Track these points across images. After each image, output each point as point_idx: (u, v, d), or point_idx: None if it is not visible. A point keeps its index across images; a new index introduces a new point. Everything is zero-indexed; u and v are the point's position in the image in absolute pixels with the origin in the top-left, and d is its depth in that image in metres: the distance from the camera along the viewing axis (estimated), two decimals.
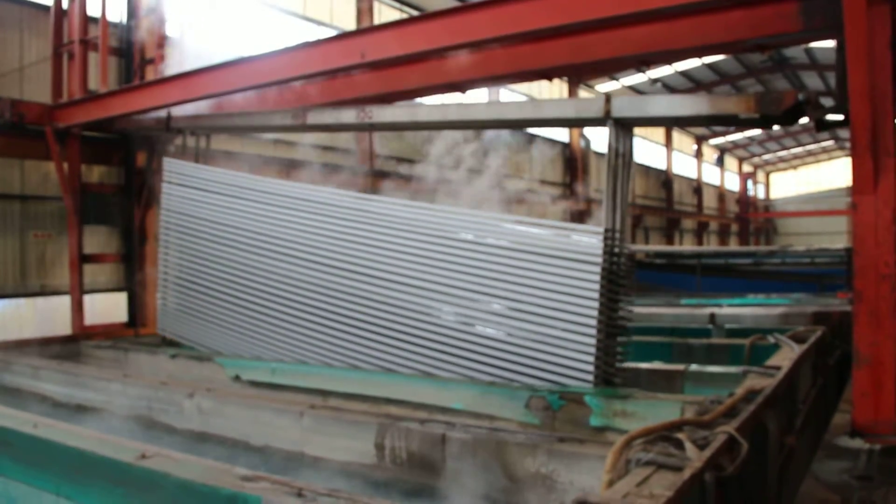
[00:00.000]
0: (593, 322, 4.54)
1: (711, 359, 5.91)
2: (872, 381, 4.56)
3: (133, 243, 9.88)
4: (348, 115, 6.50)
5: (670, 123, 5.00)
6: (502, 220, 5.32)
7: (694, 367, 5.08)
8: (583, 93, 28.71)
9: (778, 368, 4.33)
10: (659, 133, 37.68)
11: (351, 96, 7.16)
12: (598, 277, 4.59)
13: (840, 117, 4.88)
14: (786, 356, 4.88)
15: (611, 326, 4.62)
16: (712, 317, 7.32)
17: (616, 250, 4.69)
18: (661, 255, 16.18)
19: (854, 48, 4.41)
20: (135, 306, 9.69)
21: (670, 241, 36.63)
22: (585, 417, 4.08)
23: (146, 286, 9.86)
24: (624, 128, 4.93)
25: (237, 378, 5.98)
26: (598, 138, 29.81)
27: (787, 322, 7.00)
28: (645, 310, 7.64)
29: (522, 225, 5.18)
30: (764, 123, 5.07)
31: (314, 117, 6.57)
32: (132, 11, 10.07)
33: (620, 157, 4.87)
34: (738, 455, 2.76)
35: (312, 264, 6.12)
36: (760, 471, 3.47)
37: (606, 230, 4.69)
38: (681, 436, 2.77)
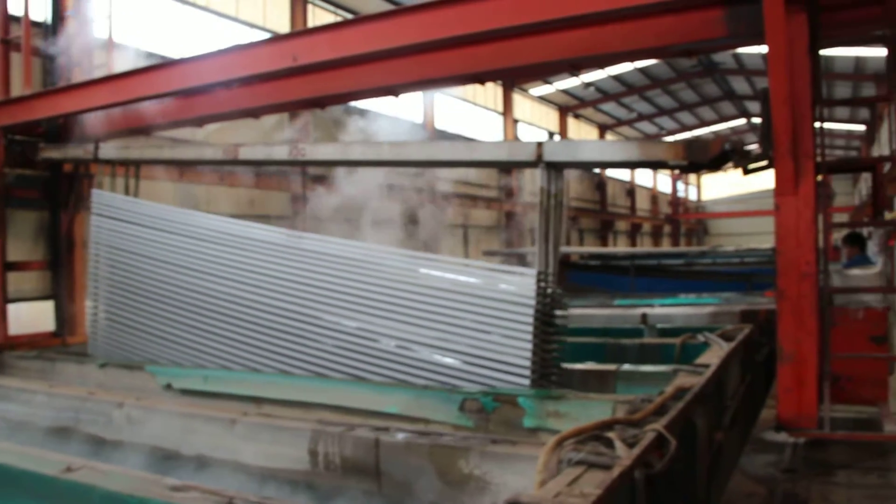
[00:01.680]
0: (527, 363, 4.59)
1: (643, 358, 6.01)
2: (795, 377, 4.70)
3: (60, 250, 9.63)
4: (280, 152, 6.43)
5: (601, 167, 5.10)
6: (436, 262, 5.31)
7: (626, 366, 5.16)
8: (516, 96, 28.95)
9: (706, 366, 4.42)
10: (593, 136, 38.20)
11: (283, 100, 7.10)
12: (531, 319, 4.64)
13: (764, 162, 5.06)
14: (714, 354, 5.00)
15: (545, 367, 4.67)
16: (644, 317, 7.43)
17: (549, 291, 4.74)
18: (595, 257, 16.42)
19: (774, 54, 4.54)
20: (62, 315, 9.44)
21: (604, 243, 37.16)
22: (519, 419, 4.11)
23: (74, 294, 9.62)
24: (556, 170, 4.98)
25: (169, 386, 5.86)
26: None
27: (717, 321, 7.15)
28: (578, 311, 7.73)
29: (455, 267, 5.17)
30: (692, 169, 5.21)
31: (246, 153, 6.48)
32: (58, 11, 9.81)
33: (552, 197, 4.92)
34: (666, 452, 2.82)
35: (247, 302, 6.03)
36: (689, 467, 3.54)
37: (539, 272, 4.73)
38: (611, 435, 2.82)
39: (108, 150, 7.26)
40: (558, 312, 4.78)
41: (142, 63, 9.75)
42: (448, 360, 4.85)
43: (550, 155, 4.89)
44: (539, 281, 4.69)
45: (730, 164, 5.00)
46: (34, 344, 8.11)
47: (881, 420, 5.65)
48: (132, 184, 7.77)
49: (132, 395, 5.03)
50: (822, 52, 5.19)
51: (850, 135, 40.14)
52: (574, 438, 2.79)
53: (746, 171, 5.25)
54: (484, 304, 4.81)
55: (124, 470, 3.14)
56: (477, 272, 5.04)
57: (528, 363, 4.58)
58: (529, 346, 4.58)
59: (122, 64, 9.02)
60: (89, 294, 7.30)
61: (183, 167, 12.56)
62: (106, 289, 7.09)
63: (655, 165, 5.26)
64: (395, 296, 5.21)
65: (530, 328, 4.61)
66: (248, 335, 5.97)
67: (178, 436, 4.33)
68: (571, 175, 33.67)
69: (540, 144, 4.89)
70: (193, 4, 14.73)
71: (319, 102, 7.36)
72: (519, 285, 4.75)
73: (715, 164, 4.89)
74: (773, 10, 4.46)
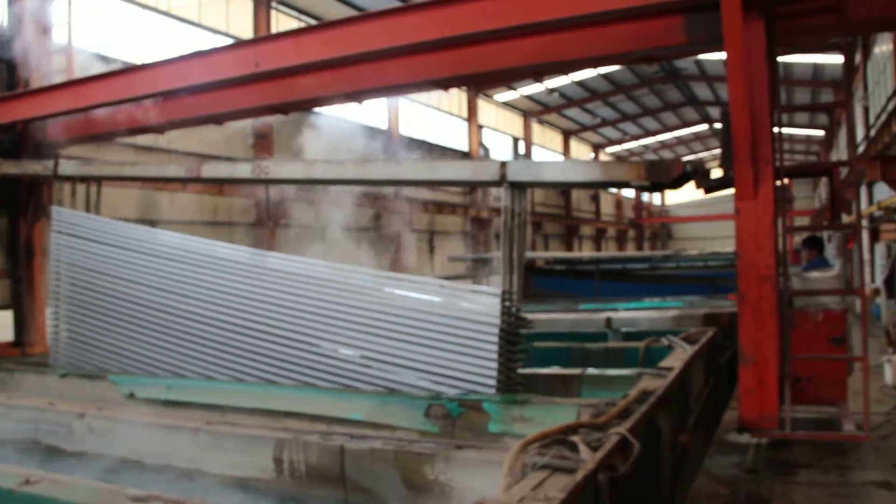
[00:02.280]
0: (492, 382, 4.60)
1: (608, 362, 6.04)
2: (757, 379, 4.76)
3: (19, 258, 9.47)
4: (243, 170, 6.37)
5: (564, 187, 5.10)
6: (401, 281, 5.29)
7: (590, 370, 5.18)
8: (481, 102, 29.04)
9: (670, 369, 4.45)
10: (557, 141, 38.45)
11: (245, 107, 7.06)
12: (496, 339, 4.65)
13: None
14: (678, 357, 5.04)
15: (509, 385, 4.68)
16: (608, 321, 7.47)
17: (514, 310, 4.74)
18: (560, 262, 16.50)
19: (733, 61, 4.61)
20: (21, 324, 9.28)
21: (569, 248, 37.39)
22: (484, 424, 4.12)
23: (34, 303, 9.46)
24: (519, 189, 4.99)
25: (132, 396, 5.78)
26: (496, 148, 30.20)
27: (680, 324, 7.21)
28: (543, 316, 7.76)
29: (421, 286, 5.17)
30: (654, 189, 5.26)
31: (209, 171, 6.41)
32: (15, 16, 9.66)
33: (516, 216, 4.93)
34: (630, 455, 2.84)
35: (211, 320, 5.96)
36: (653, 469, 3.56)
37: (504, 292, 4.74)
38: (575, 439, 2.83)
39: (68, 166, 7.14)
40: (522, 331, 4.78)
41: (103, 69, 9.66)
42: (413, 378, 4.84)
43: (514, 175, 4.89)
44: (503, 300, 4.70)
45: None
46: None
47: (840, 420, 5.75)
48: (93, 200, 7.63)
49: (94, 405, 4.95)
50: (780, 58, 5.27)
51: (809, 140, 40.80)
52: (539, 443, 2.79)
53: (707, 191, 5.31)
54: (449, 322, 4.79)
55: (85, 481, 3.09)
56: (442, 291, 5.03)
57: (493, 382, 4.59)
58: (494, 364, 4.59)
59: (82, 70, 8.92)
60: (50, 311, 7.18)
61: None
62: (67, 306, 6.98)
63: (618, 185, 5.30)
64: (360, 314, 5.18)
65: (495, 347, 4.62)
66: (212, 353, 5.91)
67: (141, 445, 4.28)
68: None
69: (503, 164, 4.90)
70: (155, 10, 14.61)
71: (282, 108, 7.32)
72: (484, 305, 4.75)
73: (676, 185, 4.94)
74: (731, 18, 4.53)
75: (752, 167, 4.71)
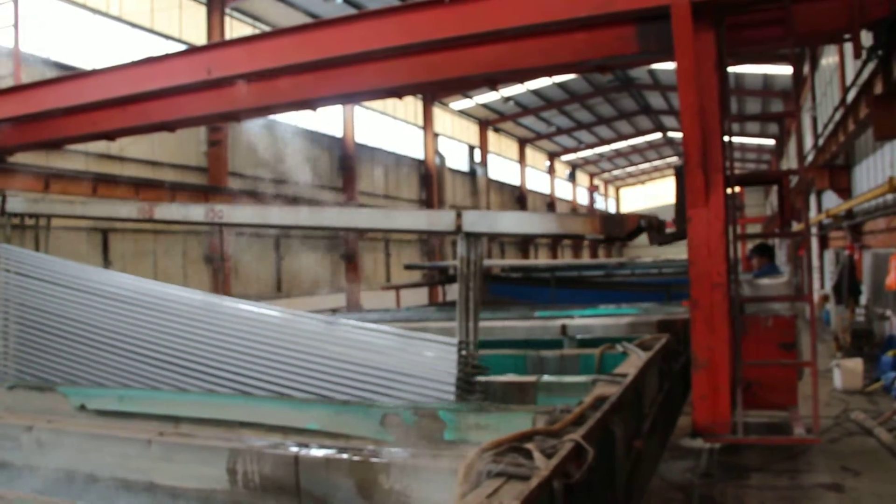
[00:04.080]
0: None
1: (563, 369, 6.05)
2: (710, 384, 4.82)
3: None
4: (196, 213, 6.27)
5: (520, 237, 5.04)
6: (357, 329, 5.25)
7: (546, 377, 5.18)
8: (437, 110, 29.09)
9: (625, 376, 4.48)
10: (513, 150, 38.66)
11: (198, 114, 7.00)
12: (452, 388, 4.64)
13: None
14: (632, 364, 5.06)
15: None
16: (564, 328, 7.48)
17: (470, 360, 4.73)
18: (517, 269, 16.54)
19: (683, 70, 4.68)
20: None
21: (525, 256, 37.58)
22: (440, 432, 4.10)
23: None
24: (475, 238, 4.98)
25: (83, 407, 5.67)
26: (452, 156, 30.27)
27: (635, 331, 7.24)
28: (499, 323, 7.77)
29: (376, 333, 5.13)
30: (608, 241, 5.29)
31: (161, 212, 6.31)
32: None
33: (472, 264, 4.92)
34: (584, 461, 2.85)
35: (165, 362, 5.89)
36: (608, 475, 3.58)
37: (460, 342, 4.73)
38: (530, 446, 2.83)
39: (17, 203, 6.97)
40: (480, 378, 4.78)
41: (51, 74, 9.50)
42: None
43: (470, 226, 4.87)
44: (460, 350, 4.69)
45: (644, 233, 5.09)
46: None
47: (791, 424, 5.83)
48: (42, 238, 7.45)
49: (43, 417, 4.84)
50: (731, 69, 5.36)
51: (761, 149, 41.56)
52: (494, 450, 2.79)
53: (661, 244, 5.35)
54: (405, 372, 4.75)
55: (34, 496, 3.03)
56: (397, 339, 5.00)
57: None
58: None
59: (29, 75, 8.76)
60: None
61: (98, 182, 12.25)
62: (16, 347, 6.83)
63: (573, 237, 5.32)
64: (312, 356, 5.14)
65: (452, 397, 4.61)
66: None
67: (92, 458, 4.19)
68: (493, 188, 34.01)
69: (459, 215, 4.87)
70: (106, 15, 14.40)
71: (235, 116, 7.27)
72: (440, 353, 4.74)
73: (631, 237, 4.99)
74: (681, 28, 4.60)
75: (703, 175, 4.78)
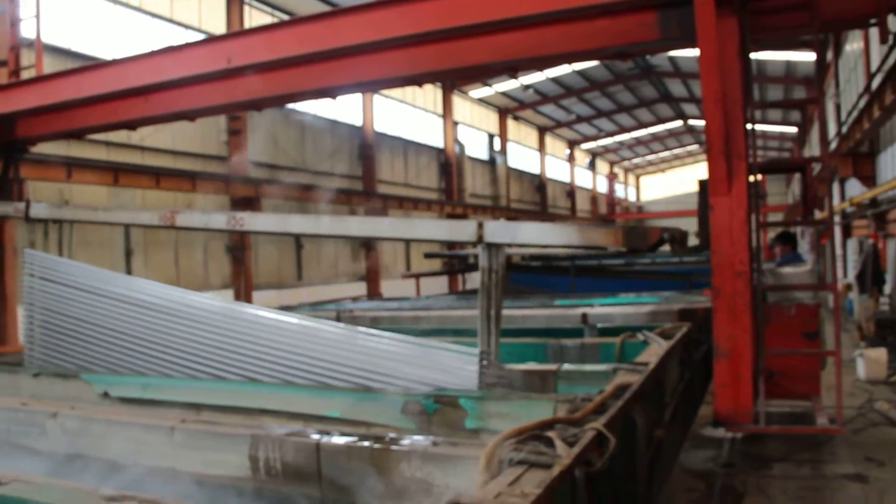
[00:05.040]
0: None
1: (584, 358, 6.04)
2: (731, 373, 4.79)
3: None
4: (218, 221, 6.29)
5: (541, 247, 5.02)
6: (376, 337, 5.24)
7: (567, 366, 5.17)
8: (456, 98, 29.03)
9: (646, 364, 4.46)
10: (533, 138, 38.54)
11: (218, 103, 7.00)
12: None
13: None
14: (653, 352, 5.04)
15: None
16: (584, 317, 7.46)
17: (492, 371, 4.70)
18: (536, 258, 16.50)
19: (706, 57, 4.63)
20: None
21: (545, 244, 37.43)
22: (461, 420, 4.10)
23: (5, 302, 9.36)
24: (496, 247, 4.95)
25: (106, 395, 5.72)
26: (471, 144, 30.22)
27: (656, 320, 7.21)
28: (519, 312, 7.76)
29: (396, 342, 5.12)
30: (631, 253, 5.26)
31: (183, 220, 6.32)
32: None
33: (494, 273, 4.90)
34: (606, 450, 2.84)
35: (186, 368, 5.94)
36: (630, 464, 3.57)
37: (482, 352, 4.71)
38: (551, 434, 2.82)
39: (41, 209, 7.04)
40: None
41: (73, 65, 9.55)
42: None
43: (491, 236, 4.84)
44: (482, 360, 4.67)
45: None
46: None
47: (814, 414, 5.79)
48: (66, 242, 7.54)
49: (67, 404, 4.88)
50: (753, 55, 5.30)
51: (782, 137, 41.20)
52: (515, 438, 2.78)
53: (684, 256, 5.28)
54: (424, 379, 4.74)
55: (58, 482, 3.04)
56: (417, 348, 4.99)
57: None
58: None
59: (51, 65, 8.82)
60: (25, 359, 7.10)
61: (119, 171, 12.33)
62: (41, 352, 6.91)
63: (594, 249, 5.30)
64: (331, 364, 5.14)
65: None
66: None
67: (115, 445, 4.23)
68: (512, 176, 33.95)
69: (480, 225, 4.84)
70: (126, 5, 14.46)
71: (256, 105, 7.28)
72: (461, 362, 4.72)
73: (653, 249, 4.95)
74: (704, 14, 4.55)
75: (726, 163, 4.74)
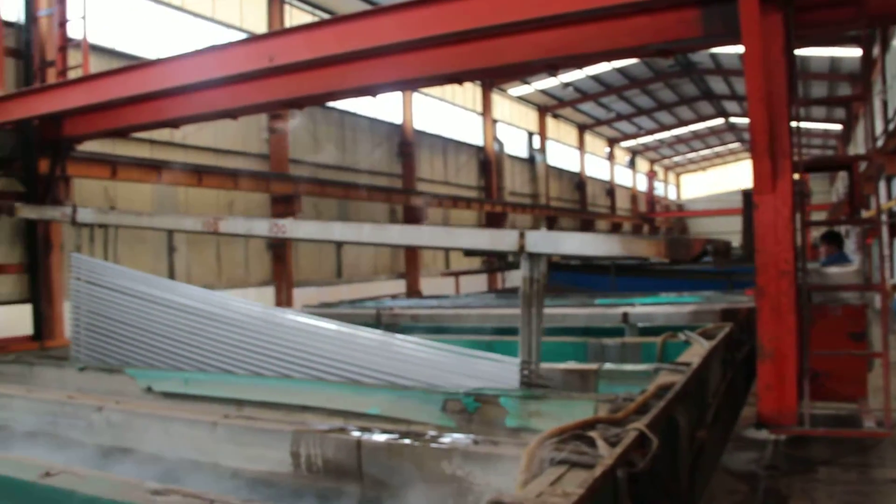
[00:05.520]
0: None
1: (625, 357, 6.01)
2: (776, 374, 4.72)
3: (38, 253, 9.54)
4: (261, 227, 6.33)
5: (583, 258, 4.95)
6: (413, 344, 5.24)
7: (607, 365, 5.14)
8: (495, 96, 28.99)
9: (688, 365, 4.42)
10: (572, 136, 38.35)
11: (260, 101, 7.08)
12: None
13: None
14: (695, 353, 5.00)
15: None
16: (625, 316, 7.42)
17: (533, 381, 4.68)
18: (576, 257, 16.43)
19: (750, 54, 4.57)
20: (40, 318, 9.35)
21: None
22: (501, 419, 4.10)
23: (52, 297, 9.53)
24: (538, 257, 4.92)
25: (149, 389, 5.81)
26: (511, 142, 30.17)
27: (698, 319, 7.15)
28: (559, 310, 7.73)
29: (430, 350, 5.12)
30: (673, 263, 5.20)
31: (226, 226, 6.39)
32: (31, 12, 9.72)
33: (535, 283, 4.87)
34: (648, 450, 2.81)
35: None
36: (672, 465, 3.54)
37: (523, 361, 4.69)
38: (593, 434, 2.81)
39: (86, 214, 7.18)
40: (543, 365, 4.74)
41: (117, 64, 9.70)
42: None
43: (533, 246, 4.80)
44: (522, 370, 4.65)
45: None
46: (11, 348, 8.03)
47: (860, 416, 5.69)
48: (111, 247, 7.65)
49: (112, 398, 4.96)
50: (798, 51, 5.22)
51: (826, 134, 40.54)
52: (556, 438, 2.77)
53: (727, 267, 5.19)
54: (462, 389, 4.74)
55: (104, 474, 3.09)
56: (455, 356, 4.98)
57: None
58: None
59: (97, 65, 8.96)
60: (71, 355, 7.24)
61: (162, 169, 12.49)
62: (86, 353, 7.05)
63: (637, 259, 5.26)
64: (367, 370, 5.16)
65: None
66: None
67: (159, 439, 4.29)
68: (552, 174, 33.83)
69: (522, 235, 4.81)
70: (169, 5, 14.64)
71: (297, 103, 7.34)
72: (501, 371, 4.70)
73: (696, 261, 4.90)
74: (748, 10, 4.49)
75: (770, 161, 4.67)
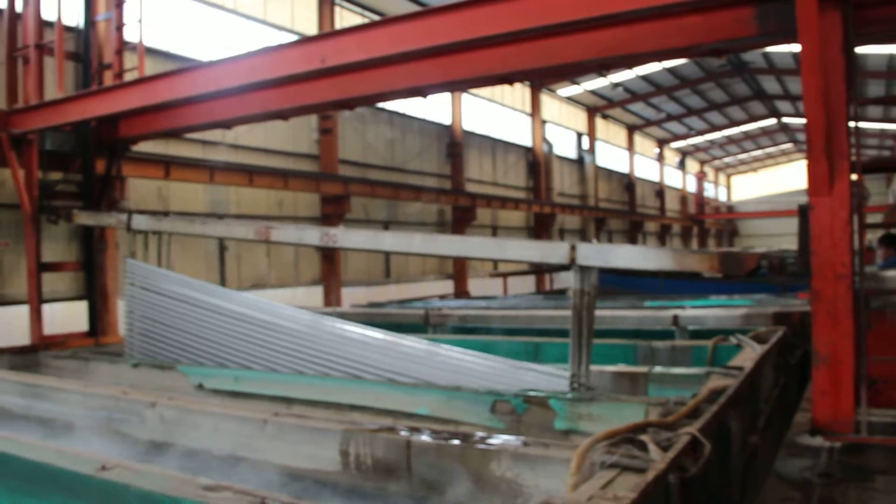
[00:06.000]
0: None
1: (675, 360, 5.95)
2: (831, 380, 4.62)
3: (93, 251, 9.74)
4: (312, 236, 6.37)
5: (633, 270, 4.88)
6: (459, 355, 5.24)
7: (657, 368, 5.10)
8: (544, 97, 28.86)
9: (740, 369, 4.37)
10: (621, 136, 38.05)
11: (311, 102, 7.14)
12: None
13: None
14: (748, 356, 4.93)
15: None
16: (675, 318, 7.36)
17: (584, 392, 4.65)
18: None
19: (808, 53, 4.48)
20: (95, 315, 9.54)
21: (633, 244, 36.89)
22: (550, 421, 4.09)
23: (107, 295, 9.72)
24: (588, 270, 4.87)
25: (200, 386, 5.91)
26: (559, 143, 30.02)
27: (749, 323, 7.06)
28: (609, 312, 7.67)
29: (478, 361, 5.11)
30: (726, 279, 5.12)
31: (278, 235, 6.45)
32: (89, 16, 9.93)
33: (586, 295, 4.83)
34: (701, 456, 2.78)
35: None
36: (724, 471, 3.50)
37: (573, 374, 4.65)
38: (645, 438, 2.78)
39: (141, 221, 7.33)
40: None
41: (171, 66, 9.86)
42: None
43: (584, 259, 4.77)
44: (572, 384, 4.62)
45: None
46: (68, 343, 8.21)
47: None
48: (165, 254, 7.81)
49: (165, 394, 5.05)
50: (856, 49, 5.11)
51: (883, 134, 39.63)
52: (607, 441, 2.75)
53: (783, 283, 5.10)
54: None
55: (158, 469, 3.14)
56: (504, 367, 4.96)
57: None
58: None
59: (152, 67, 9.12)
60: (125, 357, 7.40)
61: (214, 169, 12.67)
62: (139, 355, 7.20)
63: (689, 274, 5.18)
64: (413, 380, 5.18)
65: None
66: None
67: (210, 435, 4.35)
68: (600, 175, 33.59)
69: (573, 248, 4.78)
70: (222, 7, 14.85)
71: (348, 104, 7.39)
72: (550, 384, 4.68)
73: (750, 276, 4.83)
74: (806, 8, 4.40)
75: (828, 162, 4.57)
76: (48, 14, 9.10)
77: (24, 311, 9.19)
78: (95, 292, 9.57)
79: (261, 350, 6.23)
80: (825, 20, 4.55)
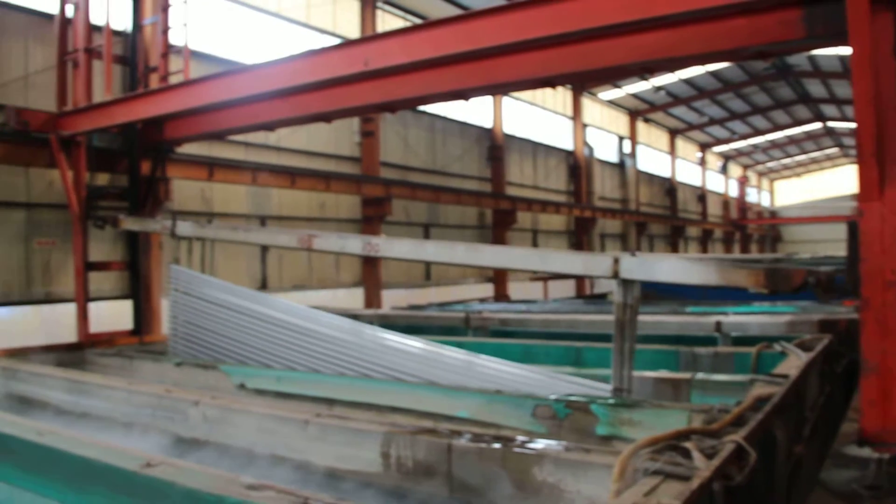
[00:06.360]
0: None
1: (717, 367, 5.88)
2: (880, 390, 4.53)
3: (138, 251, 9.90)
4: (354, 245, 6.39)
5: (676, 284, 4.79)
6: (493, 367, 5.23)
7: (700, 375, 5.04)
8: (585, 100, 28.72)
9: (785, 377, 4.30)
10: (663, 140, 37.72)
11: (354, 104, 7.18)
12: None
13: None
14: (793, 364, 4.85)
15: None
16: (718, 325, 7.26)
17: None
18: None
19: (858, 56, 4.40)
20: (140, 314, 9.70)
21: (675, 249, 36.60)
22: (592, 426, 4.05)
23: (151, 294, 9.87)
24: (631, 283, 4.83)
25: (242, 386, 5.96)
26: (600, 146, 29.85)
27: (794, 330, 6.95)
28: (650, 318, 7.60)
29: (516, 373, 5.09)
30: (772, 296, 5.01)
31: (320, 243, 6.49)
32: (136, 20, 10.10)
33: (628, 308, 4.79)
34: (746, 464, 2.74)
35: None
36: (769, 480, 3.45)
37: (615, 388, 4.61)
38: (688, 445, 2.76)
39: (185, 227, 7.43)
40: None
41: (215, 69, 9.98)
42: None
43: (627, 272, 4.71)
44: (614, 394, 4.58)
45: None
46: (113, 341, 8.34)
47: None
48: (208, 260, 7.92)
49: (208, 393, 5.11)
50: None
51: None
52: (650, 448, 2.73)
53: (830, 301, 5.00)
54: None
55: (201, 467, 3.17)
56: (542, 379, 4.93)
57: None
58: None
59: (196, 70, 9.24)
60: (168, 355, 7.50)
61: (257, 171, 12.79)
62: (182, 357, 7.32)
63: (733, 289, 5.10)
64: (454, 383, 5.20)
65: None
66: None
67: (252, 435, 4.39)
68: (642, 179, 33.33)
69: (616, 261, 4.73)
70: (266, 11, 14.99)
71: (390, 106, 7.42)
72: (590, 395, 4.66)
73: (797, 292, 4.74)
74: (856, 11, 4.33)
75: (878, 166, 4.48)
76: (97, 19, 9.27)
77: (71, 309, 9.38)
78: (140, 292, 9.73)
79: (301, 356, 6.28)
80: (876, 22, 4.47)
